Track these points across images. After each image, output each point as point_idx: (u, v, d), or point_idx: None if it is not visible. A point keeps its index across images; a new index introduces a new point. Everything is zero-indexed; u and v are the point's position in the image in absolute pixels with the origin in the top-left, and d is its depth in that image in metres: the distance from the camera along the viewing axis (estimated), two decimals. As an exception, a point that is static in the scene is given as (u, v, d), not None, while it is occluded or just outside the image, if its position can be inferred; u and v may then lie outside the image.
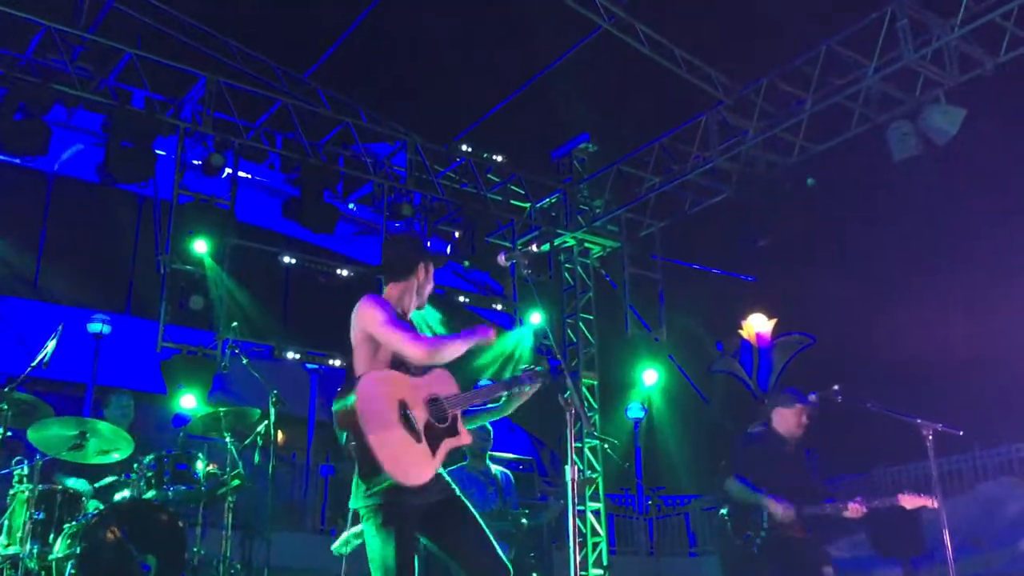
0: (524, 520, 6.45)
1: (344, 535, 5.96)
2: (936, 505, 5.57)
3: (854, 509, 5.67)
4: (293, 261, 10.67)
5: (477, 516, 3.84)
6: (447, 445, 3.76)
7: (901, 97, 9.44)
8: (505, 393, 4.01)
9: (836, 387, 5.44)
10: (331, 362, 10.80)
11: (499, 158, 12.10)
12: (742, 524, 5.80)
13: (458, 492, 3.89)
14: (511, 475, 6.82)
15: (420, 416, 3.71)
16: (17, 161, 9.88)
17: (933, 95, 9.20)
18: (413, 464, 3.64)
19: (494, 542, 3.80)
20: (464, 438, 3.85)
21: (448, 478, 3.90)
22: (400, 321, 3.87)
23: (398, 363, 3.82)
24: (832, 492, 5.99)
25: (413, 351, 3.74)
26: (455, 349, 3.82)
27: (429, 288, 4.17)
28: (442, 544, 3.79)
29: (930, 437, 5.34)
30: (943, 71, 9.12)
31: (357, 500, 3.72)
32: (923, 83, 9.25)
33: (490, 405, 4.11)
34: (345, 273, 10.85)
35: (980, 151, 9.72)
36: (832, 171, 10.44)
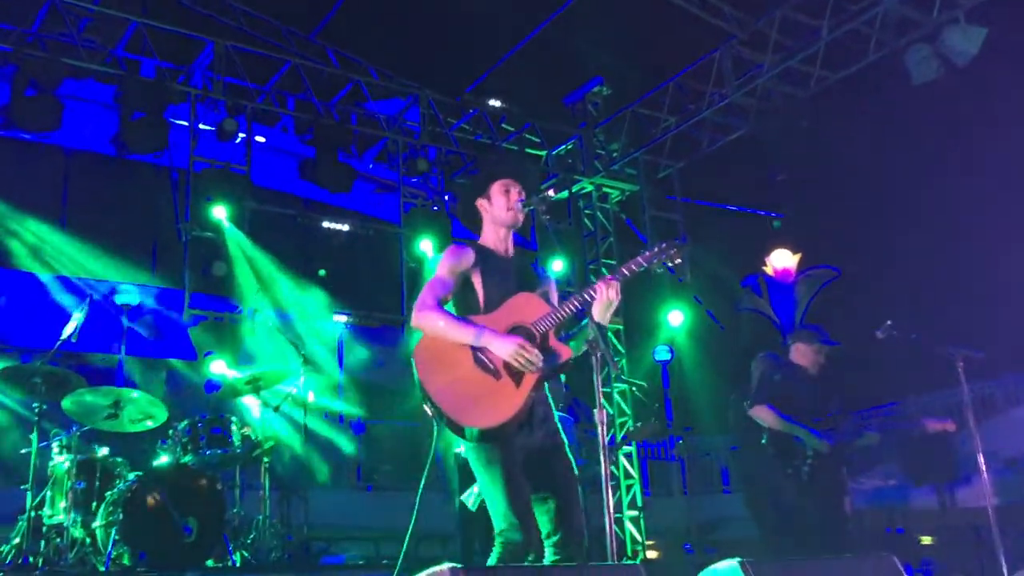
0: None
1: (474, 489, 5.93)
2: (954, 428, 5.64)
3: (870, 436, 5.80)
4: (318, 223, 10.70)
5: (575, 475, 3.77)
6: (537, 369, 3.61)
7: (919, 19, 9.23)
8: (588, 298, 3.71)
9: (889, 322, 5.43)
10: (363, 321, 10.88)
11: (514, 107, 11.99)
12: (788, 452, 5.85)
13: (566, 444, 3.80)
14: (572, 421, 6.83)
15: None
16: (33, 137, 9.90)
17: (952, 15, 8.98)
18: (486, 404, 3.57)
19: (580, 507, 3.73)
20: (559, 354, 3.66)
21: (559, 424, 3.84)
22: (439, 280, 3.81)
23: (492, 303, 3.78)
24: (846, 424, 6.04)
25: (415, 309, 3.74)
26: (451, 333, 3.66)
27: (503, 208, 3.94)
28: (534, 492, 3.69)
29: (961, 364, 5.32)
30: (961, -10, 8.89)
31: (461, 448, 3.71)
32: (941, 3, 9.03)
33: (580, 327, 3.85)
34: (365, 231, 10.87)
35: (1003, 70, 9.50)
36: (851, 99, 10.26)
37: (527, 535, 3.54)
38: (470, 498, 6.05)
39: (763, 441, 6.02)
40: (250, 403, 7.75)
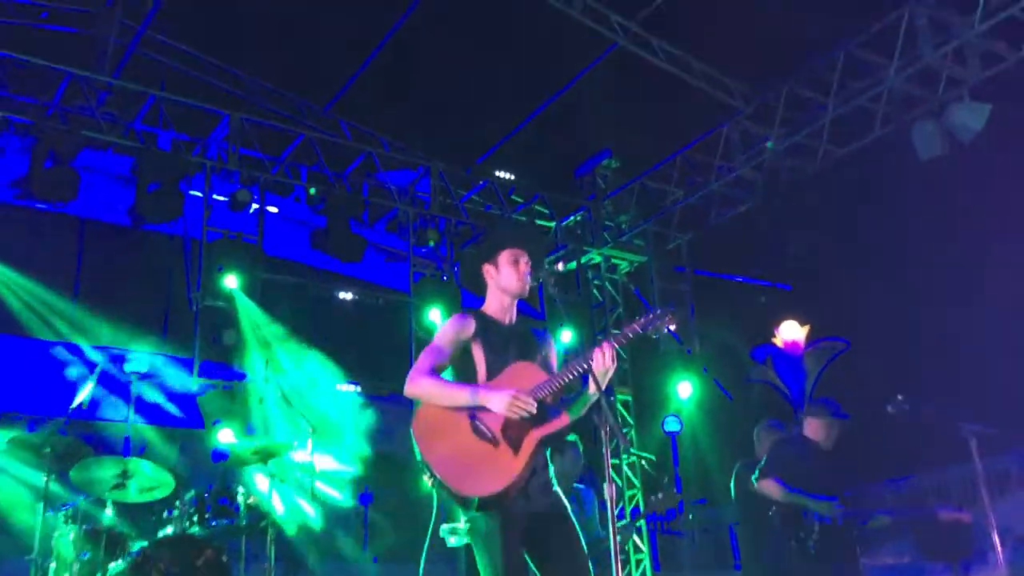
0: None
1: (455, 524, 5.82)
2: (970, 520, 5.57)
3: (882, 519, 5.72)
4: (329, 293, 10.77)
5: (583, 546, 3.74)
6: (534, 436, 3.61)
7: (924, 96, 9.37)
8: (586, 366, 3.71)
9: (900, 397, 5.41)
10: (372, 391, 10.87)
11: (524, 180, 12.14)
12: (795, 526, 5.77)
13: (570, 512, 3.78)
14: (593, 495, 6.76)
15: (494, 418, 3.64)
16: (48, 207, 10.04)
17: (957, 93, 9.11)
18: (485, 472, 3.57)
19: (588, 571, 3.70)
20: (556, 422, 3.68)
21: (561, 492, 3.82)
22: (436, 348, 3.85)
23: (491, 371, 3.80)
24: (859, 503, 5.98)
25: (408, 377, 3.76)
26: (445, 398, 3.68)
27: (514, 279, 3.98)
28: (540, 565, 3.69)
29: (974, 440, 5.28)
30: (965, 68, 9.04)
31: (452, 539, 3.70)
32: (946, 81, 9.18)
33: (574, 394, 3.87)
34: (375, 301, 10.93)
35: (1008, 147, 9.60)
36: (857, 175, 10.36)
37: None
38: (449, 535, 5.96)
39: (770, 513, 5.95)
40: (257, 473, 7.70)
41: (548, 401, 3.69)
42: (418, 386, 3.73)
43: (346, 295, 11.08)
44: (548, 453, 3.81)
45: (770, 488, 5.88)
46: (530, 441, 3.60)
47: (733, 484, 6.85)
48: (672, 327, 3.70)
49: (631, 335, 3.73)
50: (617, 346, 3.72)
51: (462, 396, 3.67)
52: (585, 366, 3.69)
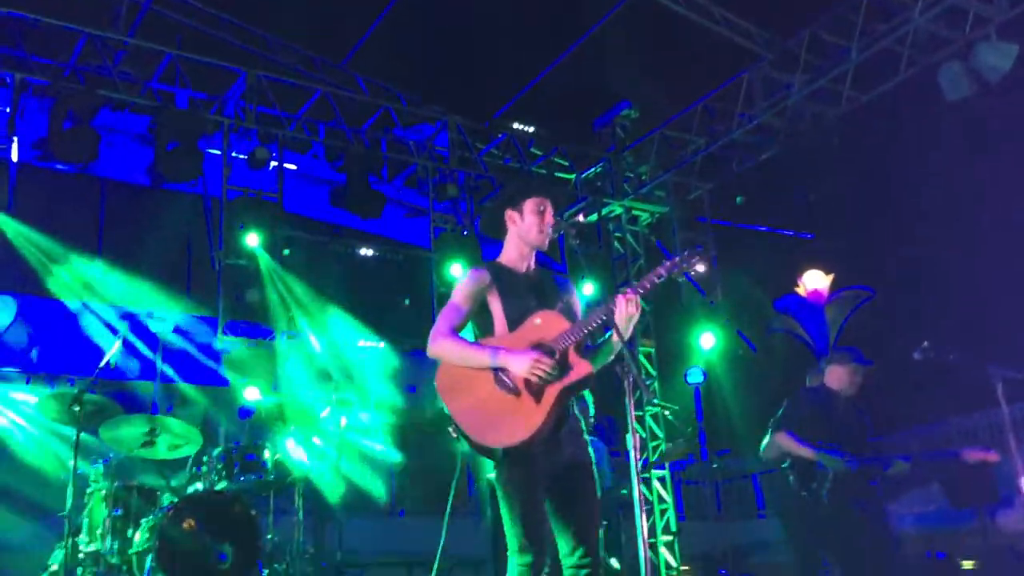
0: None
1: None
2: (997, 459, 5.54)
3: (899, 465, 5.71)
4: (350, 249, 10.77)
5: (598, 496, 3.77)
6: (556, 387, 3.59)
7: (950, 36, 9.16)
8: (611, 312, 3.66)
9: (926, 343, 5.35)
10: (394, 346, 10.93)
11: (543, 131, 12.04)
12: (806, 477, 5.79)
13: (593, 463, 3.79)
14: (603, 447, 6.79)
15: None
16: (70, 168, 10.07)
17: (983, 32, 8.91)
18: (507, 423, 3.58)
19: (597, 529, 3.73)
20: (578, 370, 3.62)
21: (588, 440, 3.83)
22: (453, 307, 3.85)
23: (512, 322, 3.79)
24: (879, 451, 5.95)
25: (429, 339, 3.77)
26: (466, 359, 3.70)
27: (535, 228, 3.94)
28: (554, 510, 3.71)
29: (1000, 385, 5.24)
30: (992, 6, 8.82)
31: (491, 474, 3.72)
32: (972, 20, 8.96)
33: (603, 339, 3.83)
34: (396, 256, 10.94)
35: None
36: (882, 119, 10.19)
37: (539, 557, 3.55)
38: None
39: (784, 466, 5.97)
40: (283, 429, 7.79)
41: (571, 350, 3.66)
42: (439, 347, 3.75)
43: (366, 251, 11.09)
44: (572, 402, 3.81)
45: (783, 441, 5.90)
46: (552, 391, 3.59)
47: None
48: (700, 268, 3.65)
49: (656, 280, 3.69)
50: (642, 292, 3.68)
51: (483, 358, 3.67)
52: (607, 315, 3.66)
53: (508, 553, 3.60)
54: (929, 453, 5.97)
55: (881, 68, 9.73)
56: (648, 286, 3.70)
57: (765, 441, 6.46)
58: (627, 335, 3.71)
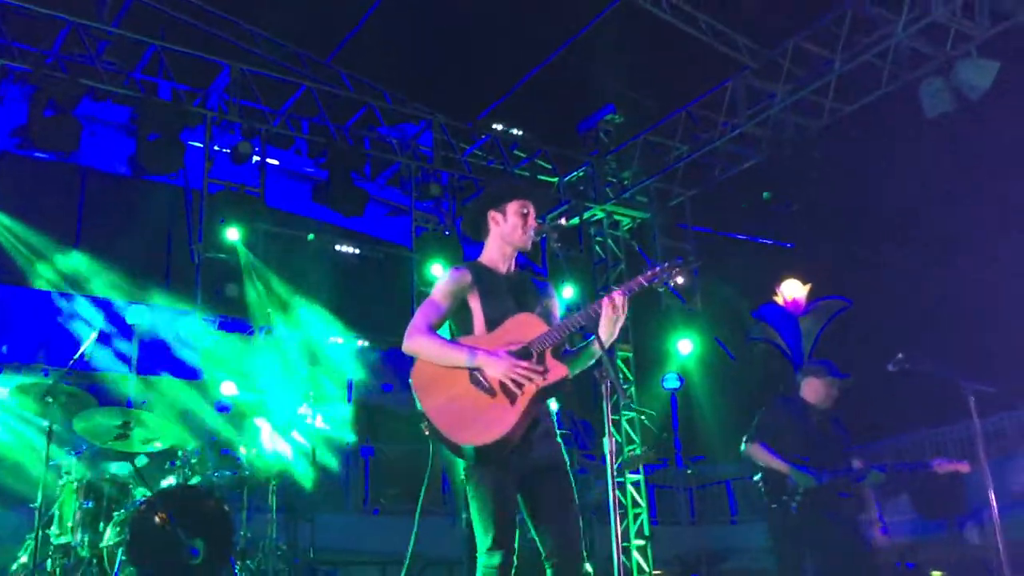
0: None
1: None
2: (968, 470, 5.59)
3: (875, 475, 5.74)
4: (330, 246, 10.74)
5: (575, 496, 3.77)
6: (532, 388, 3.58)
7: (931, 53, 9.26)
8: (590, 317, 3.65)
9: (901, 355, 5.40)
10: (373, 344, 10.91)
11: (527, 134, 12.06)
12: (777, 488, 5.84)
13: (567, 464, 3.79)
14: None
15: None
16: (50, 157, 9.99)
17: (964, 49, 9.01)
18: (481, 422, 3.57)
19: (579, 528, 3.72)
20: (554, 373, 3.62)
21: (561, 442, 3.83)
22: (432, 304, 3.84)
23: (490, 323, 3.78)
24: (859, 461, 5.99)
25: (406, 334, 3.75)
26: (442, 358, 3.68)
27: (519, 231, 3.93)
28: (532, 512, 3.72)
29: (972, 398, 5.29)
30: (974, 24, 8.92)
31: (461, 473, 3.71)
32: (954, 37, 9.06)
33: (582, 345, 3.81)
34: (376, 255, 10.93)
35: (1015, 104, 9.51)
36: (864, 131, 10.27)
37: (507, 557, 3.55)
38: None
39: (756, 478, 6.01)
40: (259, 425, 7.76)
41: (548, 353, 3.67)
42: (415, 343, 3.74)
43: (347, 249, 11.06)
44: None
45: (755, 452, 5.93)
46: (527, 393, 3.59)
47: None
48: (680, 279, 3.66)
49: (636, 288, 3.69)
50: (628, 295, 3.69)
51: (459, 357, 3.66)
52: (592, 315, 3.65)
53: (477, 553, 3.60)
54: (901, 464, 6.01)
55: (863, 81, 9.81)
56: (628, 292, 3.70)
57: (743, 449, 6.50)
58: (613, 338, 3.72)
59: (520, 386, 3.57)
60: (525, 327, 3.74)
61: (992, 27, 8.85)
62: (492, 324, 3.79)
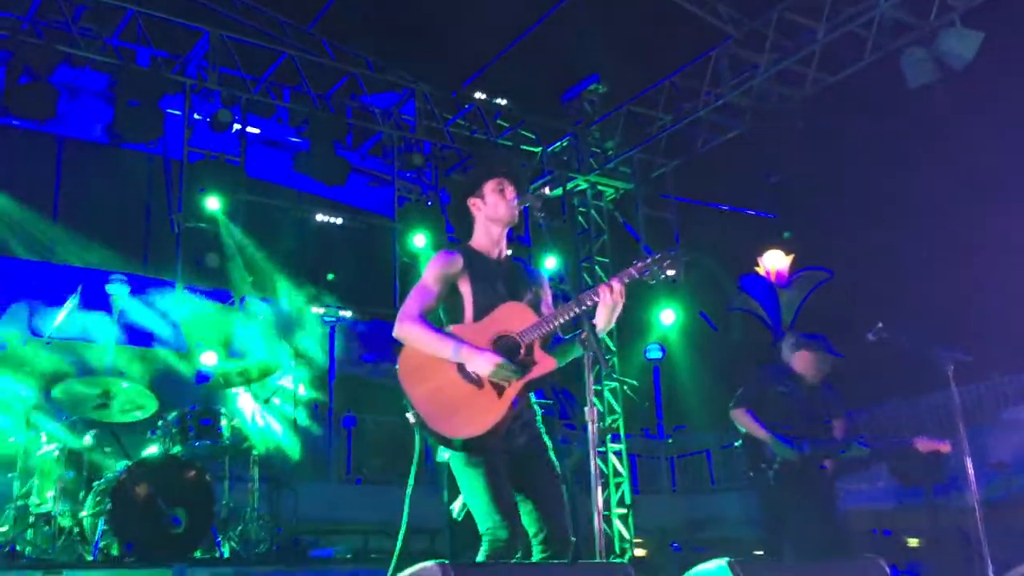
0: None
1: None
2: (948, 450, 5.63)
3: (857, 450, 5.76)
4: (312, 216, 10.67)
5: (559, 476, 3.76)
6: (519, 381, 3.55)
7: (915, 23, 9.24)
8: (584, 307, 3.57)
9: (880, 324, 5.41)
10: (355, 314, 10.89)
11: (510, 103, 12.00)
12: (756, 456, 5.87)
13: (549, 446, 3.78)
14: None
15: None
16: (26, 125, 9.86)
17: (948, 19, 9.00)
18: (467, 414, 3.55)
19: (565, 507, 3.71)
20: (542, 366, 3.59)
21: (542, 427, 3.81)
22: (424, 288, 3.77)
23: (480, 310, 3.74)
24: (850, 428, 6.02)
25: (398, 318, 3.72)
26: (429, 347, 3.63)
27: (501, 206, 3.87)
28: (517, 492, 3.68)
29: (951, 367, 5.32)
30: (958, -7, 8.91)
31: (445, 455, 3.68)
32: (937, 7, 9.04)
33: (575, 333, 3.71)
34: (359, 225, 10.88)
35: (998, 74, 9.53)
36: (847, 102, 10.27)
37: (513, 532, 3.53)
38: (455, 508, 6.04)
39: (737, 444, 6.04)
40: (240, 395, 7.74)
41: (537, 344, 3.63)
42: (405, 329, 3.68)
43: (329, 219, 11.00)
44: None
45: (740, 418, 5.95)
46: (515, 385, 3.56)
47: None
48: (671, 272, 3.60)
49: (628, 278, 3.64)
50: (622, 284, 3.62)
51: (446, 349, 3.60)
52: (588, 305, 3.59)
53: (481, 535, 3.58)
54: (882, 440, 6.03)
55: (847, 52, 9.80)
56: (624, 281, 3.64)
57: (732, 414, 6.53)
58: (609, 326, 3.68)
59: (507, 381, 3.56)
60: (514, 316, 3.70)
61: (976, -3, 8.84)
62: (482, 311, 3.75)
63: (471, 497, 3.61)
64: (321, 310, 10.77)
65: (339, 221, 11.01)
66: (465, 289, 3.80)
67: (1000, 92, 10.42)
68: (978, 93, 9.95)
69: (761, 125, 10.63)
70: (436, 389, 3.61)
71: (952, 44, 8.80)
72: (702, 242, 12.42)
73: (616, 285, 3.61)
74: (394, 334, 3.73)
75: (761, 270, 15.30)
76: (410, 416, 3.62)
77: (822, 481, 5.95)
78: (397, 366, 3.69)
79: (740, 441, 6.03)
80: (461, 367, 3.59)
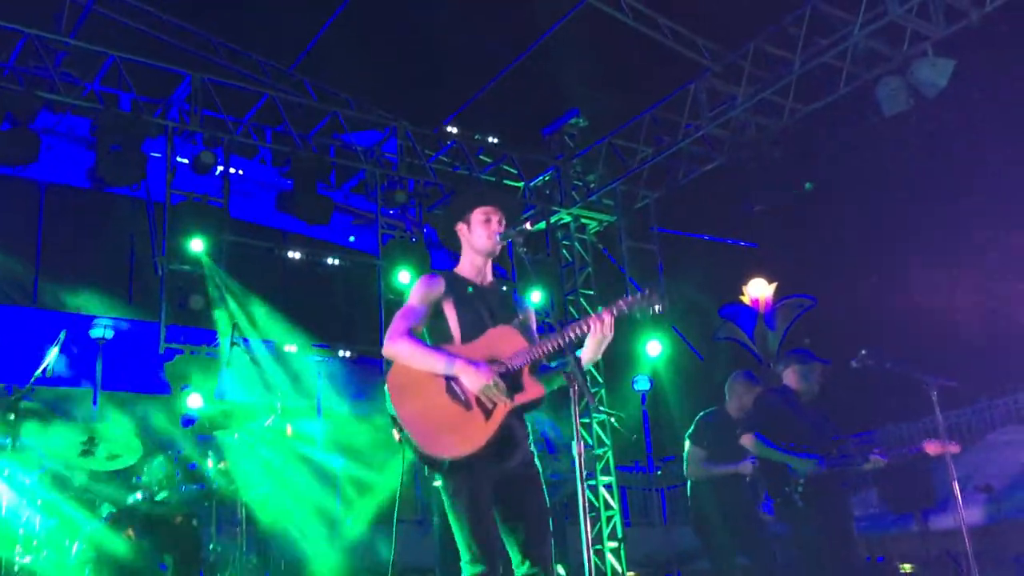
0: None
1: None
2: (958, 450, 5.65)
3: (874, 461, 5.74)
4: (296, 256, 10.66)
5: (546, 504, 3.76)
6: (507, 406, 3.56)
7: (888, 52, 9.39)
8: (572, 336, 3.60)
9: (864, 351, 5.44)
10: (341, 353, 10.84)
11: (492, 139, 12.08)
12: (778, 481, 5.80)
13: (540, 473, 3.79)
14: None
15: None
16: (6, 170, 9.85)
17: (921, 48, 9.15)
18: (455, 434, 3.54)
19: (550, 537, 3.72)
20: (530, 392, 3.61)
21: (535, 451, 3.82)
22: (410, 308, 3.80)
23: (467, 334, 3.76)
24: (849, 449, 6.01)
25: (386, 338, 3.73)
26: (422, 363, 3.64)
27: (484, 237, 3.91)
28: (504, 519, 3.69)
29: (935, 392, 5.35)
30: (929, 24, 9.06)
31: (437, 482, 3.67)
32: (910, 37, 9.20)
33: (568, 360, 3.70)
34: (343, 263, 10.89)
35: (970, 102, 9.68)
36: (823, 131, 10.39)
37: (491, 566, 3.53)
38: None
39: (747, 476, 6.03)
40: (226, 438, 7.68)
41: (525, 370, 3.65)
42: (396, 346, 3.69)
43: (313, 258, 10.99)
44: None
45: (751, 444, 5.91)
46: (502, 410, 3.57)
47: (692, 435, 6.84)
48: (657, 308, 3.60)
49: (615, 313, 3.66)
50: (611, 317, 3.64)
51: (438, 363, 3.62)
52: (579, 331, 3.62)
53: (460, 563, 3.58)
54: (898, 450, 6.01)
55: (822, 82, 9.93)
56: (614, 314, 3.65)
57: (687, 454, 6.53)
58: (597, 358, 3.72)
59: (494, 403, 3.56)
60: (504, 341, 3.72)
61: (948, 26, 8.99)
62: (467, 335, 3.76)
63: (455, 524, 3.62)
64: (308, 348, 10.73)
65: (323, 260, 11.00)
66: (450, 312, 3.82)
67: (975, 119, 10.57)
68: (953, 119, 10.09)
69: (740, 155, 10.74)
70: (424, 408, 3.61)
71: (925, 73, 8.95)
72: (685, 273, 12.45)
73: (607, 318, 3.63)
74: (383, 352, 3.74)
75: (746, 299, 15.35)
76: (397, 433, 3.61)
77: (846, 498, 5.93)
78: (386, 380, 3.69)
79: (748, 476, 6.01)
80: (450, 387, 3.60)
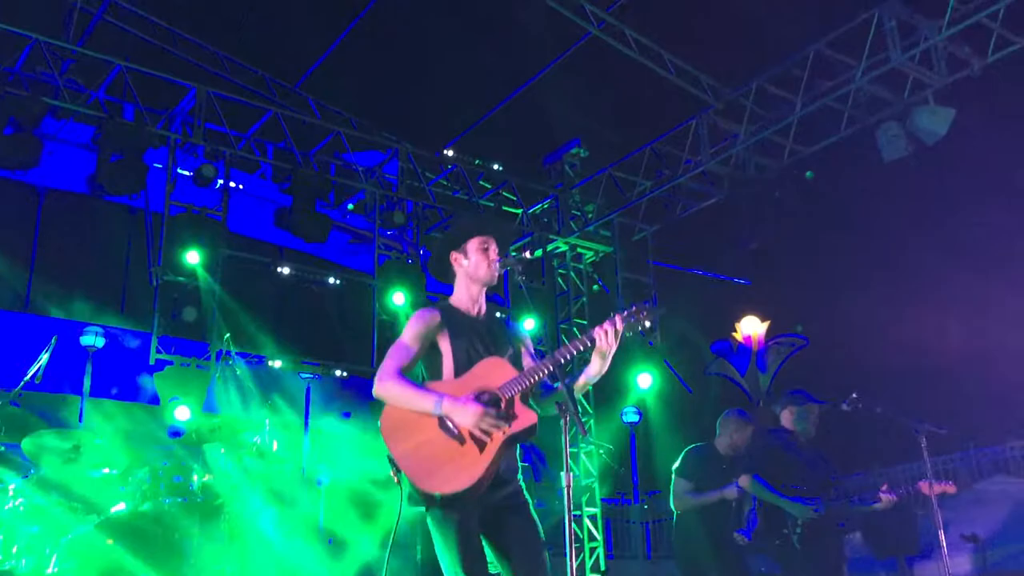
0: None
1: None
2: (955, 491, 5.66)
3: (886, 500, 5.73)
4: (287, 271, 10.66)
5: (540, 535, 3.75)
6: (501, 435, 3.55)
7: (890, 98, 9.48)
8: (564, 360, 3.61)
9: (855, 395, 5.46)
10: (337, 372, 10.83)
11: (493, 165, 12.13)
12: (776, 523, 5.80)
13: (529, 504, 3.79)
14: None
15: None
16: (6, 174, 9.85)
17: (922, 96, 9.24)
18: (449, 470, 3.54)
19: (546, 565, 3.70)
20: (522, 420, 3.59)
21: (523, 482, 3.82)
22: (402, 346, 3.80)
23: (460, 365, 3.76)
24: (848, 490, 6.02)
25: (376, 378, 3.73)
26: (410, 404, 3.64)
27: (483, 267, 3.92)
28: (496, 549, 3.69)
29: (924, 439, 5.37)
30: (931, 72, 9.16)
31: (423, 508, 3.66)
32: (912, 84, 9.30)
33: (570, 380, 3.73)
34: (338, 282, 10.88)
35: (969, 151, 9.76)
36: (822, 173, 10.47)
37: None
38: None
39: (744, 511, 6.01)
40: (213, 451, 7.65)
41: (517, 398, 3.64)
42: (385, 388, 3.69)
43: (309, 275, 10.99)
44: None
45: (748, 485, 5.91)
46: (496, 441, 3.56)
47: (679, 468, 6.81)
48: (647, 323, 3.61)
49: (620, 325, 3.66)
50: (621, 325, 3.63)
51: (427, 404, 3.61)
52: (583, 346, 3.62)
53: None
54: (900, 488, 6.01)
55: (823, 124, 10.02)
56: (614, 326, 3.65)
57: (673, 486, 6.50)
58: (602, 373, 3.71)
59: (488, 434, 3.56)
60: (494, 371, 3.71)
61: (949, 75, 9.09)
62: (462, 367, 3.76)
63: (442, 553, 3.60)
64: (299, 365, 10.70)
65: (319, 277, 11.00)
66: (445, 346, 3.82)
67: (973, 166, 10.66)
68: (952, 166, 10.18)
69: (739, 192, 10.81)
70: (418, 446, 3.61)
71: (925, 120, 9.04)
72: (679, 307, 12.48)
73: (610, 328, 3.61)
74: (374, 393, 3.73)
75: (738, 335, 15.38)
76: (392, 473, 3.61)
77: (840, 539, 5.93)
78: (379, 424, 3.69)
79: (751, 508, 5.99)
80: (443, 423, 3.59)
